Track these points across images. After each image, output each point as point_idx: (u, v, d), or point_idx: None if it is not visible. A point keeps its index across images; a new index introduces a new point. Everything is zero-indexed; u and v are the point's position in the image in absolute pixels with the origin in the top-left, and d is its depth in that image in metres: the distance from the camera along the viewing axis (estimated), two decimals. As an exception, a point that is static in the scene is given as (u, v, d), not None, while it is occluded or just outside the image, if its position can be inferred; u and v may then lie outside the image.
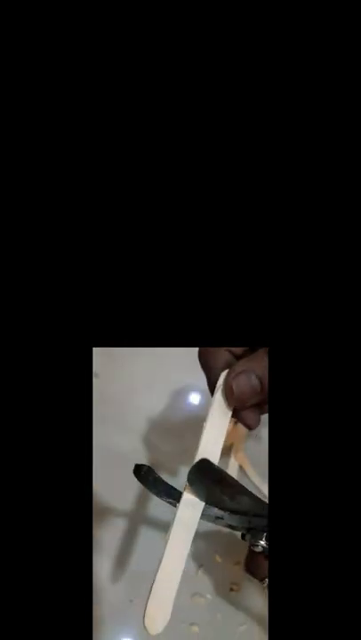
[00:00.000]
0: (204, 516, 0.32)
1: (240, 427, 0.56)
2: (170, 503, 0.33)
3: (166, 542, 0.31)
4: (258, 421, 0.35)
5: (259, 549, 0.32)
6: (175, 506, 0.32)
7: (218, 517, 0.33)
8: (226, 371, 0.33)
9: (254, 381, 0.32)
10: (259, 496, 0.31)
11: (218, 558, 0.50)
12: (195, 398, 0.61)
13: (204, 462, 0.31)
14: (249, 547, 0.36)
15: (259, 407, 0.34)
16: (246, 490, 0.31)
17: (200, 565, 0.50)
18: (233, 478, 0.32)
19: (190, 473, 0.31)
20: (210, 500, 0.32)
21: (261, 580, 0.37)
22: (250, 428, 0.35)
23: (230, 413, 0.33)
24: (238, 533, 0.34)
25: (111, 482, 0.50)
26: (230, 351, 0.34)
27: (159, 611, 0.31)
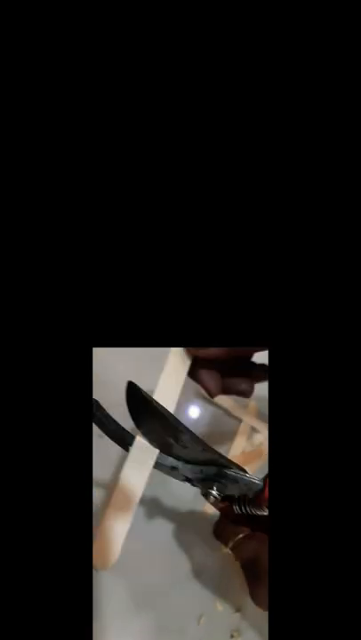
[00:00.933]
0: (160, 465, 0.33)
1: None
2: (121, 447, 0.34)
3: (118, 481, 0.32)
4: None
5: (211, 499, 0.33)
6: (127, 450, 0.34)
7: (173, 468, 0.33)
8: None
9: None
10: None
11: (219, 606, 0.47)
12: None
13: (132, 386, 0.31)
14: (220, 515, 0.35)
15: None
16: (188, 429, 0.32)
17: (201, 615, 0.47)
18: (168, 412, 0.31)
19: (128, 404, 0.32)
20: (162, 447, 0.33)
21: (226, 545, 0.36)
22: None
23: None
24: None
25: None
26: None
27: (107, 549, 0.31)
